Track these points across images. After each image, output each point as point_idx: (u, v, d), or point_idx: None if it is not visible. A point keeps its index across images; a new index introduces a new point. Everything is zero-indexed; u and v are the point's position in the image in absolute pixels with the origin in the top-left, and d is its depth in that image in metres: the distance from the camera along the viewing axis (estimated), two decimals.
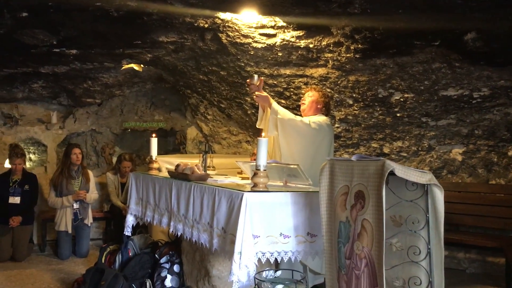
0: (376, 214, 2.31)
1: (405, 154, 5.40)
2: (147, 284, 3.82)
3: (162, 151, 7.10)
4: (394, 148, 5.38)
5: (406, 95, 4.65)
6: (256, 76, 3.96)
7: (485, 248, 4.69)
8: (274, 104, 3.94)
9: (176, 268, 3.84)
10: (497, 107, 4.64)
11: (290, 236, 2.92)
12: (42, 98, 6.57)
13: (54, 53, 4.97)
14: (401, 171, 2.31)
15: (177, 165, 3.79)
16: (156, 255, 4.07)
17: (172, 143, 7.50)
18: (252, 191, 2.88)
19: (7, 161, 6.09)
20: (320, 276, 3.77)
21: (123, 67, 5.77)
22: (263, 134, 3.02)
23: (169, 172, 3.87)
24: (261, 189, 2.90)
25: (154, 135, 4.46)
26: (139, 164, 7.30)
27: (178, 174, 3.67)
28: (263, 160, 2.94)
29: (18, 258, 5.38)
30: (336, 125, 5.31)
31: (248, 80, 4.00)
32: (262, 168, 2.93)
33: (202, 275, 3.61)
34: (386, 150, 5.43)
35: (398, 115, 4.92)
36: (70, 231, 5.58)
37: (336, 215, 2.60)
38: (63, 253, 5.55)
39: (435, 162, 5.32)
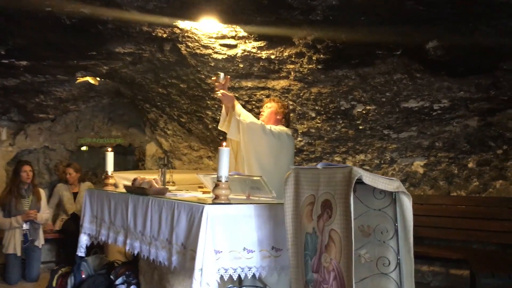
0: (344, 223, 2.21)
1: (368, 167, 5.38)
2: None
3: (120, 168, 6.84)
4: (357, 161, 5.35)
5: (368, 107, 4.63)
6: (222, 74, 3.83)
7: (449, 260, 4.68)
8: (238, 106, 3.83)
9: None
10: (457, 119, 4.69)
11: (254, 251, 2.78)
12: None
13: (2, 65, 4.70)
14: (369, 178, 2.22)
15: (134, 179, 3.60)
16: (111, 276, 3.83)
17: (131, 161, 7.25)
18: (213, 203, 2.73)
19: None
20: None
21: (78, 80, 5.52)
22: (224, 144, 2.89)
23: (126, 187, 3.67)
24: (223, 201, 2.76)
25: (110, 149, 4.26)
26: (96, 182, 6.99)
27: (135, 189, 3.48)
28: (224, 170, 2.80)
29: None
30: (299, 139, 5.24)
31: (213, 78, 3.87)
32: (223, 180, 2.78)
33: None
34: (349, 164, 5.38)
35: (361, 127, 4.89)
36: (19, 253, 5.22)
37: (302, 226, 2.47)
38: (11, 277, 5.18)
39: (397, 175, 5.31)
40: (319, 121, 4.99)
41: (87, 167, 7.15)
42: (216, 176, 3.01)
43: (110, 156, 4.22)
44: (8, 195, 5.32)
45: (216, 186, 2.77)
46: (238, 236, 2.74)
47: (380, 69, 4.08)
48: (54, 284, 4.20)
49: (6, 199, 5.31)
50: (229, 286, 2.86)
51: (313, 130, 5.12)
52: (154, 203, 3.15)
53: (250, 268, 2.75)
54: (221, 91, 3.80)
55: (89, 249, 4.31)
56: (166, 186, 3.60)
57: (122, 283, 3.65)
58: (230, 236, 2.71)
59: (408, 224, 2.32)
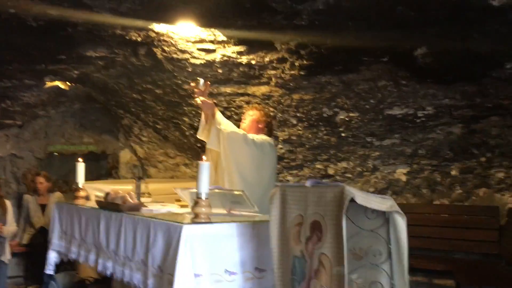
0: (335, 248, 2.04)
1: (350, 175, 5.26)
2: None
3: (93, 176, 6.56)
4: (339, 169, 5.22)
5: (351, 114, 4.49)
6: (202, 80, 3.62)
7: (433, 270, 4.58)
8: (218, 114, 3.64)
9: None
10: (440, 126, 4.59)
11: (236, 273, 2.60)
12: None
13: None
14: (361, 198, 2.06)
15: (107, 194, 3.37)
16: None
17: (105, 168, 6.96)
18: (192, 223, 2.53)
19: None
20: None
21: (47, 85, 5.25)
22: (204, 157, 2.69)
23: (98, 202, 3.43)
24: (203, 220, 2.56)
25: (80, 159, 4.01)
26: (66, 191, 6.69)
27: (108, 204, 3.25)
28: (204, 187, 2.61)
29: None
30: (280, 146, 5.08)
31: (192, 84, 3.66)
32: (203, 196, 2.59)
33: None
34: (331, 171, 5.26)
35: (343, 135, 4.76)
36: None
37: (289, 249, 2.30)
38: None
39: (379, 183, 5.21)
40: (300, 128, 4.84)
41: (58, 175, 6.84)
42: (194, 191, 2.82)
43: (81, 167, 3.98)
44: None
45: (196, 203, 2.58)
46: (219, 258, 2.56)
47: (364, 76, 3.94)
48: None
49: None
50: None
51: (294, 137, 4.96)
52: (128, 220, 2.93)
53: None
54: (201, 98, 3.61)
55: (59, 265, 4.06)
56: (141, 201, 3.37)
57: None
58: (210, 258, 2.52)
59: (402, 246, 2.17)
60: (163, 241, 2.59)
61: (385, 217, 2.19)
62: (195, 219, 2.56)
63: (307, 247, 2.19)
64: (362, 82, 4.03)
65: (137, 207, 3.12)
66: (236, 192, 3.04)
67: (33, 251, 5.50)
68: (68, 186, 6.82)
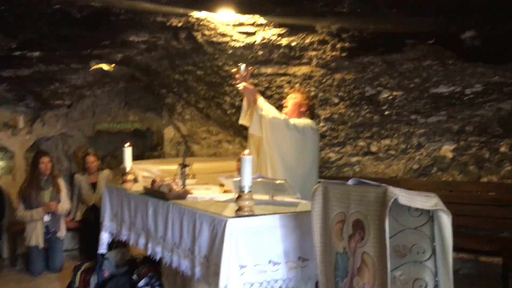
0: (378, 247, 2.05)
1: (393, 152, 5.18)
2: None
3: (139, 152, 6.76)
4: (382, 146, 5.14)
5: (394, 93, 4.39)
6: (243, 66, 3.63)
7: (479, 251, 4.52)
8: (260, 100, 3.65)
9: None
10: (490, 103, 4.42)
11: (280, 263, 2.65)
12: (7, 101, 6.13)
13: (15, 57, 4.58)
14: (405, 198, 2.05)
15: (153, 181, 3.48)
16: (134, 277, 3.77)
17: (149, 145, 7.14)
18: (236, 216, 2.59)
19: None
20: None
21: (92, 68, 5.38)
22: (246, 151, 2.72)
23: (145, 189, 3.55)
24: (246, 213, 2.61)
25: (128, 144, 4.11)
26: (114, 167, 6.94)
27: (154, 192, 3.36)
28: (247, 180, 2.65)
29: None
30: (321, 124, 5.04)
31: (234, 70, 3.68)
32: (247, 190, 2.63)
33: None
34: (373, 149, 5.19)
35: (386, 113, 4.67)
36: (41, 245, 5.21)
37: (332, 245, 2.33)
38: (35, 270, 5.19)
39: (424, 160, 5.11)
40: (342, 107, 4.78)
41: (106, 151, 7.08)
42: (238, 179, 2.88)
43: (128, 152, 4.07)
44: (27, 188, 5.27)
45: (239, 197, 2.63)
46: (263, 249, 2.61)
47: (408, 56, 3.83)
48: (77, 281, 4.16)
49: (26, 191, 5.26)
50: None
51: (336, 116, 4.91)
52: (175, 209, 3.03)
53: (276, 281, 2.64)
54: (243, 83, 3.62)
55: (111, 243, 4.25)
56: (186, 188, 3.46)
57: (145, 285, 3.58)
58: (254, 250, 2.58)
59: (447, 244, 2.15)
60: (208, 233, 2.66)
61: (430, 215, 2.17)
62: (239, 212, 2.62)
63: (349, 245, 2.21)
64: (407, 62, 3.92)
65: (182, 196, 3.21)
66: (278, 181, 3.07)
67: (85, 226, 5.77)
68: (116, 162, 7.07)
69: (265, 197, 3.22)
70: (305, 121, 3.72)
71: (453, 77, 4.03)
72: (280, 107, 4.25)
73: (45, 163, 5.32)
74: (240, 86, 3.62)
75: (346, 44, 3.74)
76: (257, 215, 2.64)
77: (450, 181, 5.01)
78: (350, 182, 2.24)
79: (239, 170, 4.67)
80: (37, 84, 5.61)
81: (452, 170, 5.07)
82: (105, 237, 4.07)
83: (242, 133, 5.69)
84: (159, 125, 6.81)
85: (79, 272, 4.23)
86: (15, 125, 6.29)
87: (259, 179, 3.12)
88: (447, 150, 5.00)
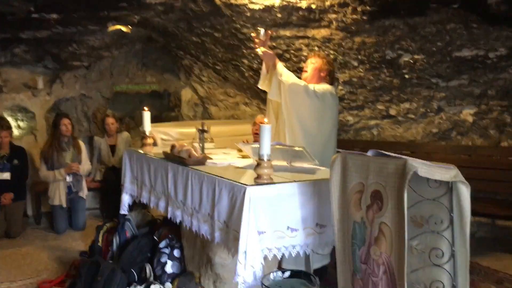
0: (396, 218, 2.08)
1: (413, 116, 5.13)
2: (147, 269, 3.64)
3: (157, 112, 6.80)
4: (401, 109, 5.10)
5: (416, 57, 4.31)
6: (262, 30, 3.59)
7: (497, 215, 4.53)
8: (279, 65, 3.61)
9: (176, 253, 3.65)
10: None
11: (298, 230, 2.70)
12: (26, 62, 6.16)
13: (33, 19, 4.58)
14: (424, 170, 2.05)
15: (173, 146, 3.52)
16: (155, 237, 3.88)
17: (167, 106, 7.17)
18: (255, 184, 2.63)
19: None
20: (325, 257, 3.61)
21: (109, 29, 5.35)
22: (265, 120, 2.73)
23: (165, 153, 3.59)
24: (265, 181, 2.64)
25: (146, 108, 4.14)
26: (133, 127, 7.02)
27: (174, 157, 3.40)
28: (266, 148, 2.66)
29: (12, 234, 5.20)
30: (340, 87, 5.00)
31: (253, 35, 3.64)
32: (265, 158, 2.65)
33: (204, 261, 3.43)
34: (392, 112, 5.15)
35: (407, 76, 4.60)
36: (64, 204, 5.37)
37: (349, 214, 2.36)
38: (59, 227, 5.37)
39: (444, 124, 5.06)
40: (361, 70, 4.72)
41: (124, 112, 7.14)
42: (256, 146, 2.90)
43: (147, 116, 4.10)
44: (49, 149, 5.38)
45: (258, 165, 2.65)
46: (281, 216, 2.65)
47: (432, 19, 3.73)
48: (99, 240, 4.29)
49: (48, 152, 5.37)
50: (274, 270, 2.82)
51: (355, 79, 4.86)
52: (194, 175, 3.07)
53: (294, 247, 2.69)
54: (262, 48, 3.58)
55: (132, 204, 4.35)
56: (205, 153, 3.49)
57: (166, 246, 3.68)
58: (273, 216, 2.62)
59: (465, 215, 2.16)
60: (228, 199, 2.70)
61: (449, 186, 2.18)
62: (258, 180, 2.65)
63: (367, 215, 2.24)
64: (429, 25, 3.82)
65: (202, 161, 3.25)
66: (297, 148, 3.08)
67: (106, 186, 5.91)
68: (134, 122, 7.14)
69: (283, 163, 3.26)
70: (325, 87, 3.68)
71: (477, 41, 3.93)
72: (298, 71, 4.21)
73: (65, 124, 5.40)
74: (259, 50, 3.58)
75: (367, 7, 3.65)
76: (275, 183, 2.67)
77: (469, 146, 4.97)
78: (369, 153, 2.24)
79: (254, 134, 4.72)
80: (55, 45, 5.61)
81: (472, 134, 5.02)
82: (126, 199, 4.16)
83: (259, 95, 5.67)
84: (176, 86, 6.81)
85: (101, 232, 4.36)
86: (35, 86, 6.34)
87: (277, 146, 3.13)
88: (467, 114, 4.93)
